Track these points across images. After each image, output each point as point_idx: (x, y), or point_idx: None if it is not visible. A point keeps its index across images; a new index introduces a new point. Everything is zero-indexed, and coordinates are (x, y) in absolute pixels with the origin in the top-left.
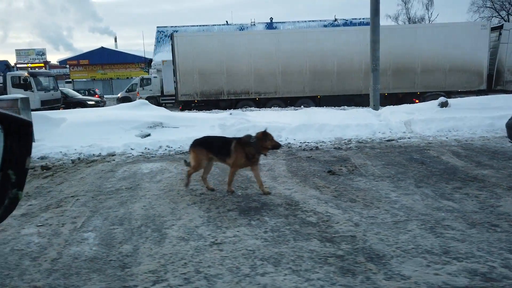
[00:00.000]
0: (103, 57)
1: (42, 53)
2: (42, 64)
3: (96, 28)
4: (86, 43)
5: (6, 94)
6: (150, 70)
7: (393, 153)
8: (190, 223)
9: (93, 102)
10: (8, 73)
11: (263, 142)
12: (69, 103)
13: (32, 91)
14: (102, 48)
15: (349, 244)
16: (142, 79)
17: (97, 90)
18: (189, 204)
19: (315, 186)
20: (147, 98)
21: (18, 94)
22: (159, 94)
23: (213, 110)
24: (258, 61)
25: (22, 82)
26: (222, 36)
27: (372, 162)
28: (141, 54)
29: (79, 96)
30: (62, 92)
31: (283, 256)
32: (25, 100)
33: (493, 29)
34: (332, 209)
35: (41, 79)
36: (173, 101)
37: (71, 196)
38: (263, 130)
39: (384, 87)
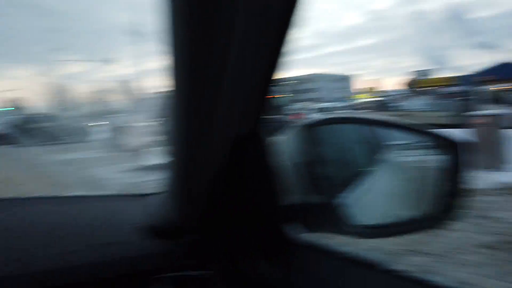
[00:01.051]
0: None
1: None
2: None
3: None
4: (462, 60)
5: (474, 109)
6: None
7: None
8: None
9: None
10: (480, 87)
11: None
12: None
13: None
14: None
15: None
16: None
17: None
18: None
19: None
20: None
21: (493, 110)
22: None
23: None
24: None
25: (494, 97)
26: None
27: None
28: None
29: None
30: None
31: None
32: (499, 117)
33: None
34: None
35: None
36: None
37: None
38: None
39: None
